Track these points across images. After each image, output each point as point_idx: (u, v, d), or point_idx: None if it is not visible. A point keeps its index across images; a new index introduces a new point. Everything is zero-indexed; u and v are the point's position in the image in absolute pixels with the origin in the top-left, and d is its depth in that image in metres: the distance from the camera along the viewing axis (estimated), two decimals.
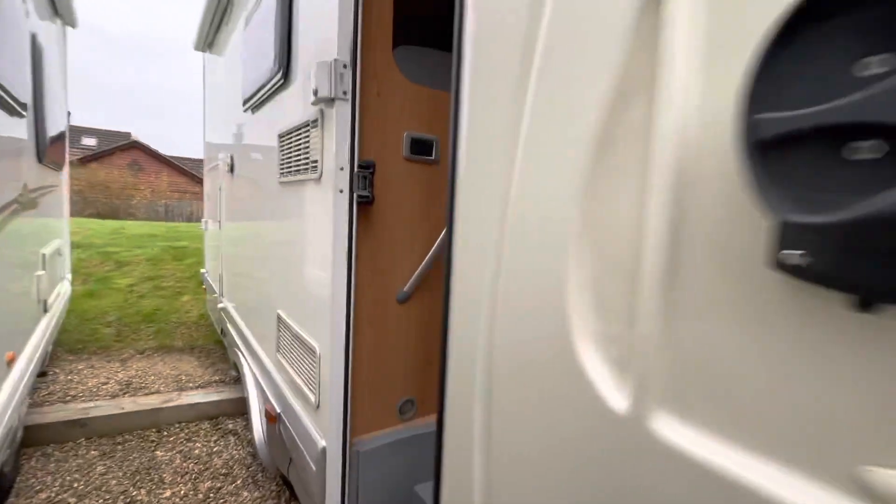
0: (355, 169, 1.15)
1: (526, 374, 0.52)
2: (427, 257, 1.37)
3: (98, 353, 3.40)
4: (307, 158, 1.31)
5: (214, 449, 2.43)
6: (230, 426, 2.70)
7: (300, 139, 1.36)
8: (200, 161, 4.26)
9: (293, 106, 1.46)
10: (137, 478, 2.13)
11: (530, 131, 0.52)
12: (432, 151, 1.36)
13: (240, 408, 2.84)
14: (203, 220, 4.08)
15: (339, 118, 1.12)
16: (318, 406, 1.27)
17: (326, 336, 1.20)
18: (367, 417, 1.35)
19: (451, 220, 0.71)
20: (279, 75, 1.50)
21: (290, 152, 1.45)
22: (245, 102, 2.03)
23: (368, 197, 1.16)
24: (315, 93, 1.11)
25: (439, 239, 1.39)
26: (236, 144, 2.47)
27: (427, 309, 1.43)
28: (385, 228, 1.31)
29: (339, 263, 1.16)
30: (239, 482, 2.16)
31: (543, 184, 0.49)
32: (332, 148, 1.14)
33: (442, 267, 1.45)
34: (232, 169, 2.55)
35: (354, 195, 1.15)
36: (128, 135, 22.65)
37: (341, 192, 1.14)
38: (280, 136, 1.56)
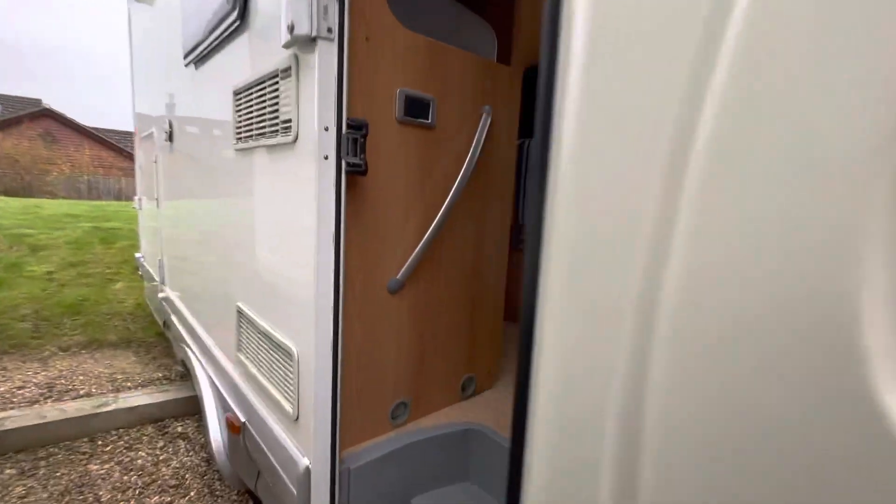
0: (343, 130, 0.92)
1: (745, 437, 0.33)
2: (423, 240, 1.18)
3: (10, 352, 2.92)
4: (275, 118, 1.06)
5: (161, 457, 2.14)
6: (179, 429, 2.41)
7: (265, 94, 1.10)
8: (129, 133, 3.72)
9: (254, 53, 1.19)
10: (67, 498, 1.82)
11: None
12: (429, 114, 1.15)
13: (190, 407, 2.54)
14: (136, 197, 3.60)
15: (323, 63, 0.88)
16: (297, 418, 1.06)
17: (309, 336, 0.99)
18: (356, 427, 1.16)
19: (540, 211, 0.51)
20: (234, 16, 1.22)
21: (251, 112, 1.18)
22: (187, 55, 1.70)
23: (361, 166, 0.94)
24: (290, 29, 0.87)
25: (437, 218, 1.19)
26: (176, 107, 2.10)
27: (421, 299, 1.24)
28: (376, 205, 1.10)
29: (325, 248, 0.94)
30: (193, 494, 1.91)
31: (782, 134, 0.30)
32: (313, 103, 0.90)
33: (440, 255, 1.27)
34: (171, 137, 2.19)
35: (343, 163, 0.93)
36: (38, 101, 20.05)
37: (326, 158, 0.91)
38: (236, 94, 1.28)
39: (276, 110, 1.05)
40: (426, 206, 1.20)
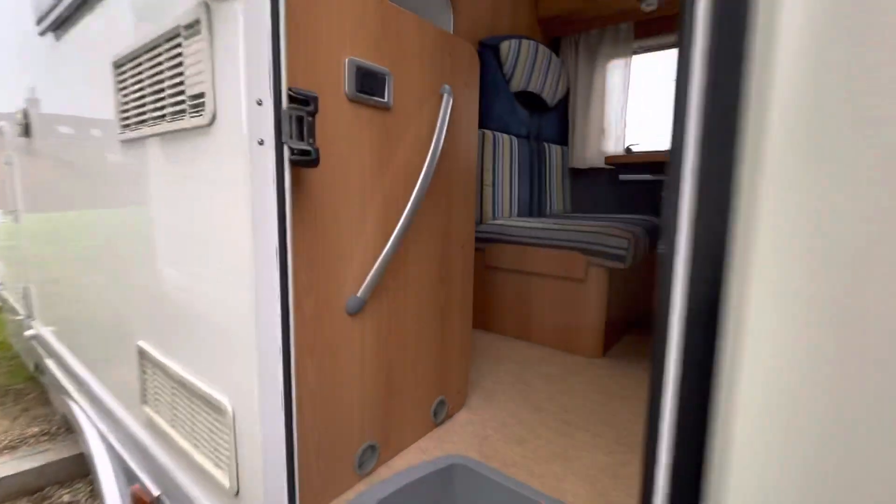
0: (284, 104, 0.68)
1: None
2: (387, 246, 0.97)
3: None
4: (179, 93, 0.78)
5: None
6: (66, 498, 1.92)
7: (161, 63, 0.81)
8: None
9: (140, 8, 0.89)
10: None
11: None
12: (384, 91, 0.94)
13: (80, 467, 2.05)
14: None
15: (251, 10, 0.64)
16: (237, 492, 0.80)
17: (249, 385, 0.74)
18: (315, 487, 0.91)
19: (723, 205, 0.32)
20: None
21: (142, 88, 0.88)
22: (40, 20, 1.29)
23: (310, 154, 0.71)
24: None
25: (403, 219, 0.99)
26: (33, 92, 1.63)
27: (385, 318, 1.03)
28: (327, 206, 0.86)
29: (266, 267, 0.69)
30: None
31: None
32: (238, 67, 0.65)
33: (405, 261, 1.04)
34: (28, 131, 1.70)
35: (286, 149, 0.69)
36: None
37: (261, 144, 0.67)
38: (117, 66, 0.96)
39: (181, 83, 0.77)
40: (386, 205, 0.99)
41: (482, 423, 1.27)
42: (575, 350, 1.86)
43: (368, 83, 0.90)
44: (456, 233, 1.22)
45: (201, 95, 0.73)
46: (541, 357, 1.81)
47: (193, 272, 0.83)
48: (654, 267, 2.56)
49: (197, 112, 0.74)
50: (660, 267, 0.38)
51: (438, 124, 1.06)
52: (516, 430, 1.25)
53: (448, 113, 1.08)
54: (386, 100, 0.94)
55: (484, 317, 2.15)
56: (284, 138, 0.68)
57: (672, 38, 2.51)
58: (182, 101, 0.78)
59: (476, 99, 1.23)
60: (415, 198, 1.00)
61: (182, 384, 0.90)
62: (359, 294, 0.93)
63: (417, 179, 1.03)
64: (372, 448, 1.04)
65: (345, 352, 0.94)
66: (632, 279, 2.16)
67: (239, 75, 0.66)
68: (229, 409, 0.79)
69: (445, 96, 1.09)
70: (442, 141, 1.06)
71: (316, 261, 0.85)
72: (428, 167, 1.02)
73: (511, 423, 1.28)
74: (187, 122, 0.76)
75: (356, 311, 0.94)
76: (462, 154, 1.21)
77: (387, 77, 0.94)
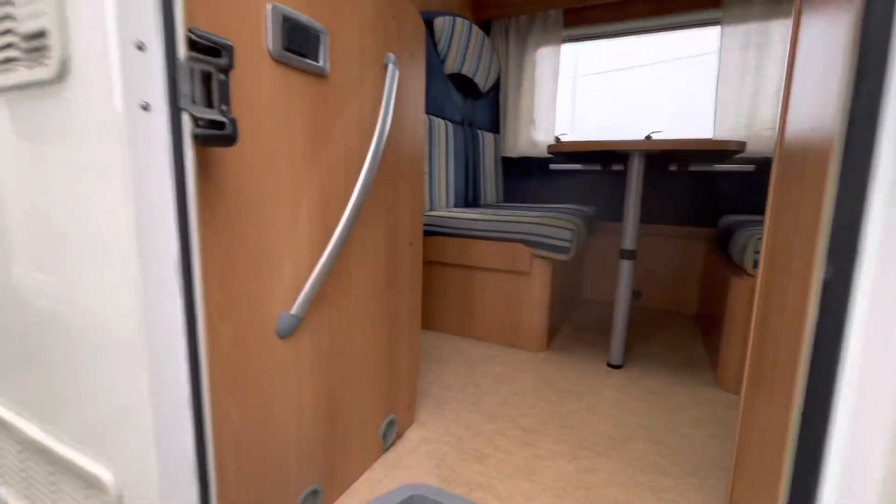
0: (180, 51, 0.47)
1: None
2: (326, 252, 0.78)
3: None
4: (7, 31, 0.52)
5: None
6: None
7: None
8: None
9: None
10: None
11: None
12: (318, 53, 0.74)
13: None
14: None
15: None
16: None
17: (141, 448, 0.52)
18: None
19: None
20: None
21: None
22: None
23: (224, 126, 0.50)
24: None
25: (347, 214, 0.80)
26: None
27: (326, 335, 0.84)
28: (247, 198, 0.65)
29: (161, 283, 0.49)
30: None
31: None
32: None
33: (348, 265, 0.87)
34: None
35: (185, 118, 0.48)
36: None
37: (145, 109, 0.45)
38: None
39: (7, 15, 0.52)
40: (324, 198, 0.80)
41: (436, 441, 1.14)
42: (519, 345, 1.81)
43: (298, 40, 0.70)
44: (403, 229, 1.06)
45: (41, 34, 0.48)
46: (487, 355, 1.72)
47: (52, 294, 0.58)
48: (586, 257, 2.61)
49: (36, 59, 0.50)
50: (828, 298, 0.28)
51: (384, 100, 0.89)
52: (474, 443, 1.14)
53: (395, 87, 0.91)
54: (321, 64, 0.75)
55: (423, 315, 2.02)
56: (184, 102, 0.47)
57: (603, 28, 2.53)
58: (10, 44, 0.52)
59: (423, 74, 1.07)
60: (360, 189, 0.82)
61: (37, 450, 0.65)
62: (293, 310, 0.74)
63: (361, 166, 0.85)
64: (314, 493, 0.86)
65: (277, 384, 0.74)
66: (570, 271, 2.16)
67: (103, 3, 0.43)
68: (112, 484, 0.56)
69: (391, 67, 0.92)
70: (389, 120, 0.89)
71: (234, 272, 0.65)
72: (374, 152, 0.85)
73: (467, 437, 1.17)
74: (22, 73, 0.51)
75: (290, 331, 0.74)
76: (408, 138, 1.04)
77: (321, 36, 0.74)
